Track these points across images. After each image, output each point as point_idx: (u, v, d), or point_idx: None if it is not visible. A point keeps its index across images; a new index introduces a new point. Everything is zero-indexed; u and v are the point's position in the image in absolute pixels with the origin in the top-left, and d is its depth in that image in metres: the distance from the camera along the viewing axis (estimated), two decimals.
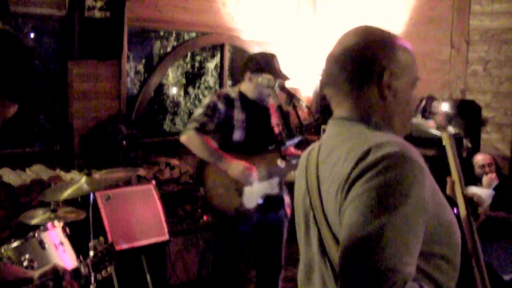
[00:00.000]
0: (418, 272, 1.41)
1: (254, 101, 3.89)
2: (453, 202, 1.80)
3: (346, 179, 1.44)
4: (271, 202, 3.83)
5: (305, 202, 1.67)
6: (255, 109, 3.91)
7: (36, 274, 2.22)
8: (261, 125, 3.92)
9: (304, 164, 1.72)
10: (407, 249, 1.33)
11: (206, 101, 3.86)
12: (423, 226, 1.39)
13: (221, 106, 3.79)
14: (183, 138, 3.78)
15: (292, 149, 4.07)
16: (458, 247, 1.53)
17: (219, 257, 3.98)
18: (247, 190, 3.74)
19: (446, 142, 2.05)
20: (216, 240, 4.03)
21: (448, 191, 1.89)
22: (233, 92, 3.92)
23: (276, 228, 3.97)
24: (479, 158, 5.21)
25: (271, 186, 3.82)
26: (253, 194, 3.76)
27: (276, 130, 3.92)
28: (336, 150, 1.56)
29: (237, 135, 3.83)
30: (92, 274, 2.55)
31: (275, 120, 3.96)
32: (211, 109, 3.78)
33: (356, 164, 1.43)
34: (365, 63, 1.56)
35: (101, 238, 2.68)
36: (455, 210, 1.79)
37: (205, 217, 5.26)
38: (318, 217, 1.58)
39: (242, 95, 3.90)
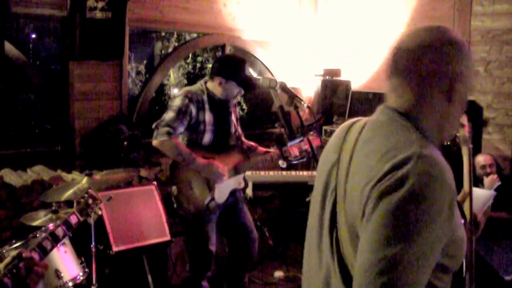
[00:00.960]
0: None
1: (220, 100, 4.02)
2: (463, 213, 1.85)
3: (378, 181, 1.42)
4: (235, 199, 4.20)
5: (331, 172, 1.66)
6: (221, 108, 4.06)
7: (1, 265, 2.22)
8: (225, 124, 4.11)
9: (342, 136, 1.70)
10: (422, 274, 1.34)
11: (177, 102, 3.91)
12: (439, 250, 1.39)
13: (193, 109, 3.90)
14: (155, 143, 3.87)
15: (294, 150, 4.08)
16: (461, 259, 1.54)
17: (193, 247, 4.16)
18: (217, 186, 3.96)
19: (464, 155, 2.17)
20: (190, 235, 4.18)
21: (459, 199, 1.93)
22: (202, 93, 4.00)
23: (244, 221, 4.28)
24: (480, 159, 5.21)
25: (238, 182, 4.15)
26: (223, 190, 4.03)
27: (233, 124, 4.15)
28: (377, 140, 1.54)
29: (207, 137, 3.98)
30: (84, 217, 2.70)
31: (233, 111, 4.17)
32: (183, 112, 3.86)
33: (392, 169, 1.41)
34: (441, 61, 1.55)
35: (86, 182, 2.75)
36: (462, 221, 1.79)
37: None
38: (339, 191, 1.59)
39: (210, 95, 4.01)
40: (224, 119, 4.10)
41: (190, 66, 10.16)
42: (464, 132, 2.35)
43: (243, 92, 4.04)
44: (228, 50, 6.57)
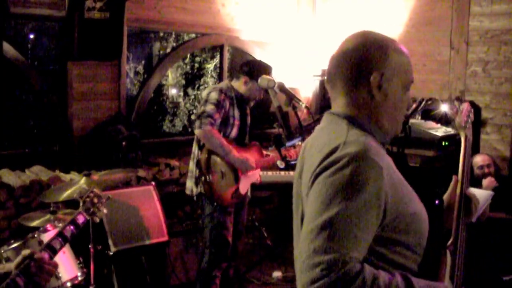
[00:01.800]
0: (376, 256, 1.55)
1: (244, 97, 4.25)
2: (437, 195, 1.98)
3: (314, 170, 1.58)
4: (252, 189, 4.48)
5: (297, 184, 1.79)
6: (244, 106, 4.31)
7: (12, 266, 2.27)
8: (246, 122, 4.35)
9: (302, 152, 1.84)
10: (353, 239, 1.45)
11: (214, 96, 4.06)
12: (376, 219, 1.51)
13: (227, 103, 4.09)
14: (198, 132, 3.99)
15: (292, 150, 4.10)
16: (421, 235, 1.65)
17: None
18: (242, 178, 4.18)
19: (462, 141, 2.27)
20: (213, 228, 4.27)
21: (450, 188, 2.03)
22: (230, 90, 4.19)
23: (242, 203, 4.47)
24: (478, 159, 5.21)
25: (255, 176, 4.36)
26: (246, 182, 4.25)
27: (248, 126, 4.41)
28: (317, 142, 1.70)
29: (234, 132, 4.20)
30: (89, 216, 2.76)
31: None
32: (221, 106, 4.04)
33: (324, 158, 1.57)
34: (358, 64, 1.69)
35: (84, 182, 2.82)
36: (437, 201, 1.97)
37: None
38: (302, 197, 1.72)
39: (237, 93, 4.21)
40: (246, 116, 4.36)
41: (188, 67, 10.17)
42: (459, 118, 2.41)
43: (262, 95, 4.26)
44: (226, 51, 6.57)
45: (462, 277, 1.84)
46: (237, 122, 4.20)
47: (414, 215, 1.61)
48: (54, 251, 2.47)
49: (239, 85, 4.22)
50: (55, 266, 2.38)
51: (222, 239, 4.19)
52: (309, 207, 1.55)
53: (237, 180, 4.15)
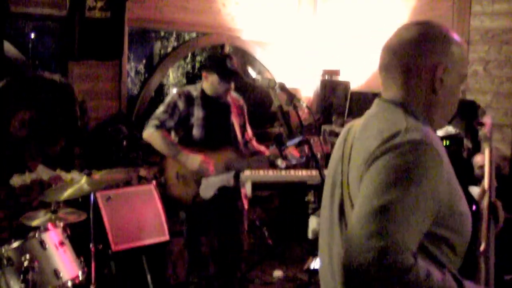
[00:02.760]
0: (424, 251, 1.51)
1: (213, 98, 4.19)
2: (472, 199, 1.95)
3: (371, 153, 1.54)
4: (227, 194, 4.16)
5: (337, 169, 1.76)
6: (215, 106, 4.21)
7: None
8: (219, 122, 4.22)
9: (345, 135, 1.81)
10: (408, 228, 1.41)
11: (167, 99, 4.18)
12: (432, 211, 1.48)
13: (181, 104, 4.12)
14: (144, 135, 4.14)
15: (293, 150, 4.08)
16: (466, 237, 1.61)
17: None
18: (204, 181, 4.11)
19: (486, 154, 2.30)
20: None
21: (478, 196, 2.06)
22: (195, 90, 4.21)
23: (234, 219, 4.32)
24: (479, 159, 5.19)
25: (227, 179, 4.16)
26: (210, 186, 4.12)
27: (236, 124, 4.28)
28: (371, 127, 1.66)
29: (196, 132, 4.15)
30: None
31: (235, 116, 4.29)
32: (171, 107, 4.11)
33: (384, 142, 1.53)
34: (420, 55, 1.65)
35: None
36: (474, 207, 1.94)
37: None
38: (344, 183, 1.69)
39: (203, 93, 4.19)
40: (218, 117, 4.22)
41: (189, 66, 10.15)
42: (484, 130, 2.43)
43: (228, 86, 4.13)
44: (227, 50, 6.56)
45: (494, 284, 1.85)
46: (198, 122, 4.14)
47: (463, 215, 1.59)
48: None
49: (204, 83, 4.20)
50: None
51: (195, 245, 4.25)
52: (366, 189, 1.50)
53: (197, 182, 4.12)
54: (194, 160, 4.04)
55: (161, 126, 4.06)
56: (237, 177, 4.18)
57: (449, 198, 1.52)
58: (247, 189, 4.59)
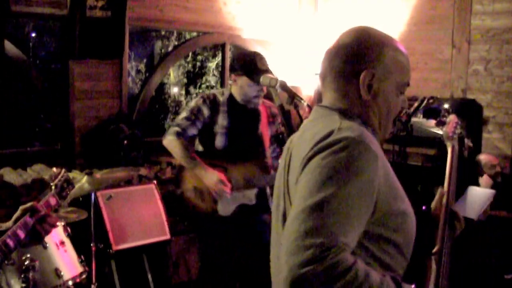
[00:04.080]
0: (366, 252, 1.50)
1: (242, 104, 3.88)
2: (423, 200, 1.96)
3: (306, 154, 1.53)
4: (248, 211, 3.85)
5: (280, 180, 1.76)
6: (242, 114, 3.89)
7: (10, 222, 2.30)
8: (246, 132, 3.90)
9: (287, 146, 1.81)
10: (346, 224, 1.40)
11: (191, 104, 3.87)
12: (368, 208, 1.46)
13: (205, 110, 3.82)
14: (164, 142, 3.82)
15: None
16: (409, 237, 1.60)
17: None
18: (222, 199, 3.78)
19: (448, 155, 2.24)
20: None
21: (434, 202, 2.00)
22: (222, 95, 3.89)
23: (260, 236, 3.82)
24: (491, 158, 5.16)
25: (247, 197, 3.85)
26: (228, 203, 3.81)
27: (266, 134, 3.93)
28: (307, 133, 1.65)
29: (219, 141, 3.84)
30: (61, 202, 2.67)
31: (265, 125, 3.96)
32: (195, 113, 3.80)
33: (318, 142, 1.52)
34: (351, 60, 1.64)
35: (55, 170, 2.80)
36: (424, 207, 1.94)
37: None
38: (285, 193, 1.68)
39: (231, 99, 3.88)
40: (245, 126, 3.91)
41: (190, 65, 10.16)
42: (447, 129, 2.40)
43: (259, 88, 3.77)
44: (228, 49, 6.56)
45: (447, 286, 1.83)
46: (222, 130, 3.83)
47: (404, 214, 1.57)
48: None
49: (233, 87, 3.88)
50: (55, 219, 2.43)
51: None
52: (301, 190, 1.48)
53: (215, 199, 3.79)
54: (211, 176, 3.73)
55: (182, 134, 3.76)
56: (261, 194, 3.89)
57: (387, 196, 1.51)
58: None
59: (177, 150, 3.77)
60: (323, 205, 1.40)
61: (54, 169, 2.78)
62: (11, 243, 2.20)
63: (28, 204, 2.33)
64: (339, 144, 1.47)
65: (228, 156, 3.84)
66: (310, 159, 1.51)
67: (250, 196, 3.86)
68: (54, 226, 2.38)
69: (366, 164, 1.46)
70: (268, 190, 3.95)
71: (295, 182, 1.57)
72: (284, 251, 1.41)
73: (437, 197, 2.00)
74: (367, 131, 1.59)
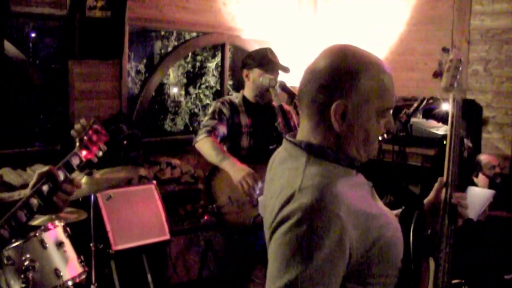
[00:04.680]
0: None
1: (257, 104, 3.87)
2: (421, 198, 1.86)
3: (272, 222, 1.49)
4: None
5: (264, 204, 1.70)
6: (259, 112, 3.87)
7: (28, 189, 2.19)
8: (266, 129, 3.87)
9: (269, 170, 1.74)
10: None
11: (211, 109, 3.82)
12: (341, 268, 1.42)
13: (226, 111, 3.77)
14: (197, 145, 3.70)
15: None
16: (396, 259, 1.56)
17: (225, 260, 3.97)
18: (260, 199, 3.53)
19: (450, 106, 2.00)
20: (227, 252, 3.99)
21: (433, 191, 1.91)
22: (236, 98, 3.88)
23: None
24: (490, 159, 5.16)
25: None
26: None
27: (285, 133, 3.77)
28: (276, 180, 1.60)
29: (245, 141, 3.80)
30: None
31: (280, 118, 3.81)
32: (218, 113, 3.75)
33: (280, 209, 1.46)
34: (324, 87, 1.53)
35: (83, 121, 2.55)
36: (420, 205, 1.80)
37: (205, 217, 5.26)
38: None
39: (245, 100, 3.87)
40: (264, 124, 3.89)
41: (190, 65, 10.15)
42: (446, 76, 2.04)
43: (272, 77, 3.60)
44: (227, 50, 6.56)
45: (447, 284, 1.77)
46: (246, 130, 3.80)
47: (385, 245, 1.50)
48: (71, 169, 2.35)
49: (246, 85, 3.88)
50: (78, 185, 2.25)
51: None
52: (269, 267, 1.46)
53: (253, 203, 3.56)
54: (241, 170, 3.50)
55: (212, 131, 3.66)
56: None
57: (362, 241, 1.45)
58: None
59: (206, 145, 3.62)
60: (293, 286, 1.37)
61: (82, 120, 2.51)
62: (21, 215, 2.05)
63: (45, 168, 2.19)
64: (296, 216, 1.40)
65: (254, 156, 3.76)
66: (274, 230, 1.46)
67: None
68: (70, 194, 2.20)
69: (328, 231, 1.39)
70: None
71: (267, 238, 1.54)
72: None
73: (436, 186, 1.90)
74: (333, 176, 1.50)
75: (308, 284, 1.37)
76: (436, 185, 1.91)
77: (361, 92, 1.51)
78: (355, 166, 1.58)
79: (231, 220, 3.62)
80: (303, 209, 1.41)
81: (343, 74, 1.51)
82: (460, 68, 2.04)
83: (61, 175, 2.22)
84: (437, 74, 2.14)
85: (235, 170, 3.51)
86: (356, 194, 1.51)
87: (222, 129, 3.72)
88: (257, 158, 3.70)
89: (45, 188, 2.13)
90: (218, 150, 3.60)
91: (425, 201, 1.92)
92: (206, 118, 3.77)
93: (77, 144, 2.45)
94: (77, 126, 2.43)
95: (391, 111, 1.61)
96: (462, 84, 2.03)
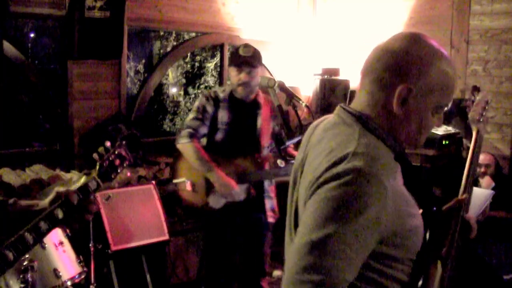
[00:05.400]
0: (371, 271, 1.50)
1: (241, 100, 3.95)
2: (437, 201, 1.87)
3: (317, 177, 1.50)
4: (245, 206, 3.91)
5: (297, 171, 1.73)
6: (242, 108, 3.96)
7: (46, 202, 2.18)
8: (245, 126, 3.97)
9: (308, 136, 1.78)
10: (347, 261, 1.40)
11: (196, 104, 3.97)
12: (373, 241, 1.45)
13: (209, 108, 3.91)
14: (178, 146, 3.91)
15: (291, 150, 4.07)
16: (415, 249, 1.59)
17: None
18: (215, 195, 3.88)
19: (473, 138, 2.14)
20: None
21: (447, 207, 1.95)
22: (222, 92, 3.98)
23: (255, 233, 4.04)
24: (486, 158, 5.17)
25: (236, 193, 3.86)
26: (219, 198, 3.88)
27: (266, 128, 3.98)
28: (325, 142, 1.61)
29: (219, 136, 3.93)
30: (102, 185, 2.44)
31: (266, 119, 4.00)
32: (201, 112, 3.90)
33: (329, 167, 1.48)
34: (393, 68, 1.56)
35: (107, 145, 2.49)
36: (434, 208, 1.85)
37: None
38: (297, 190, 1.67)
39: (231, 94, 3.96)
40: (244, 120, 3.98)
41: (189, 65, 10.17)
42: (475, 110, 2.23)
43: (241, 76, 3.80)
44: (226, 50, 6.56)
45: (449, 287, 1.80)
46: (222, 126, 3.93)
47: (410, 231, 1.54)
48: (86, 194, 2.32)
49: (231, 81, 3.95)
50: (95, 205, 2.26)
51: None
52: (306, 218, 1.48)
53: (208, 192, 3.92)
54: (225, 186, 3.79)
55: (194, 134, 3.86)
56: (252, 189, 3.92)
57: (394, 220, 1.47)
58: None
59: (190, 153, 3.84)
60: (324, 242, 1.39)
61: (107, 143, 2.48)
62: (29, 238, 2.05)
63: (63, 189, 2.19)
64: (348, 176, 1.43)
65: (224, 151, 3.93)
66: (319, 186, 1.48)
67: (238, 192, 3.87)
68: (91, 212, 2.22)
69: (373, 201, 1.42)
70: (266, 185, 4.01)
71: (304, 198, 1.56)
72: (284, 281, 1.44)
73: (451, 203, 1.95)
74: (383, 151, 1.54)
75: (340, 244, 1.39)
76: (451, 203, 1.96)
77: (428, 82, 1.55)
78: (396, 150, 1.59)
79: (184, 198, 3.98)
80: (355, 171, 1.43)
81: (416, 60, 1.55)
82: (487, 108, 2.22)
83: (75, 199, 2.21)
84: (464, 108, 2.35)
85: (221, 184, 3.79)
86: (396, 175, 1.54)
87: (203, 130, 3.92)
88: (227, 153, 3.92)
89: (57, 212, 2.13)
90: (203, 159, 3.81)
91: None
92: (191, 116, 3.93)
93: (97, 167, 2.43)
94: (101, 149, 2.41)
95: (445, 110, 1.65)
96: (486, 126, 2.20)
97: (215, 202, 3.90)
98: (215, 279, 4.08)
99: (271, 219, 4.02)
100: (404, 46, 1.57)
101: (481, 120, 2.18)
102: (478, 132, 2.16)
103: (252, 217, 4.00)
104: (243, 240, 4.08)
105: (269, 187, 4.01)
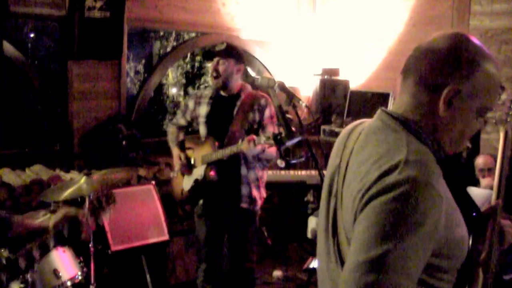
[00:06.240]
0: (419, 284, 1.43)
1: (223, 95, 4.09)
2: (473, 204, 1.80)
3: (368, 189, 1.43)
4: (205, 187, 4.06)
5: (334, 177, 1.67)
6: (221, 102, 4.10)
7: (50, 223, 2.22)
8: (222, 118, 4.06)
9: (344, 140, 1.71)
10: (408, 274, 1.35)
11: (184, 101, 4.41)
12: (429, 252, 1.40)
13: (190, 104, 4.22)
14: (167, 129, 4.45)
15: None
16: (461, 259, 1.54)
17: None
18: (185, 176, 4.22)
19: (501, 138, 2.10)
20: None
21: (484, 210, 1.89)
22: (209, 90, 4.20)
23: (237, 226, 4.11)
24: (480, 161, 5.16)
25: (198, 173, 4.08)
26: (188, 179, 4.16)
27: (238, 121, 4.01)
28: (370, 148, 1.55)
29: (202, 130, 4.14)
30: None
31: (242, 112, 4.03)
32: (184, 106, 4.29)
33: (380, 177, 1.42)
34: (440, 68, 1.51)
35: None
36: (474, 213, 1.78)
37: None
38: (338, 198, 1.60)
39: (217, 91, 4.12)
40: (221, 112, 4.06)
41: (189, 66, 10.15)
42: (501, 110, 2.13)
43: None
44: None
45: None
46: (202, 120, 4.10)
47: (459, 241, 1.50)
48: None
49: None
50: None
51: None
52: (361, 234, 1.40)
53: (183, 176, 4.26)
54: (175, 155, 4.26)
55: (174, 123, 4.36)
56: (211, 171, 4.01)
57: (445, 230, 1.43)
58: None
59: (168, 135, 4.37)
60: (384, 259, 1.33)
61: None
62: (22, 264, 2.14)
63: (61, 215, 2.30)
64: (403, 187, 1.37)
65: (201, 140, 4.16)
66: (372, 198, 1.41)
67: (199, 172, 4.06)
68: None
69: (430, 212, 1.37)
70: (243, 172, 4.02)
71: (352, 208, 1.49)
72: (324, 278, 1.42)
73: (486, 209, 1.88)
74: (430, 155, 1.50)
75: (401, 259, 1.34)
76: (486, 207, 1.90)
77: (475, 83, 1.50)
78: (439, 155, 1.54)
79: (173, 190, 4.33)
80: (410, 181, 1.37)
81: (463, 60, 1.51)
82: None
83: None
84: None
85: (173, 155, 4.31)
86: (442, 180, 1.48)
87: (181, 121, 4.33)
88: (201, 141, 4.17)
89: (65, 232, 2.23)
90: (172, 139, 4.34)
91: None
92: (179, 111, 4.38)
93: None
94: None
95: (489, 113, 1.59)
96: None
97: (186, 184, 4.16)
98: (212, 279, 4.13)
99: (244, 205, 4.01)
100: (451, 46, 1.53)
101: (508, 120, 2.10)
102: (506, 133, 2.10)
103: (229, 207, 4.05)
104: (226, 235, 4.21)
105: (248, 174, 4.00)
